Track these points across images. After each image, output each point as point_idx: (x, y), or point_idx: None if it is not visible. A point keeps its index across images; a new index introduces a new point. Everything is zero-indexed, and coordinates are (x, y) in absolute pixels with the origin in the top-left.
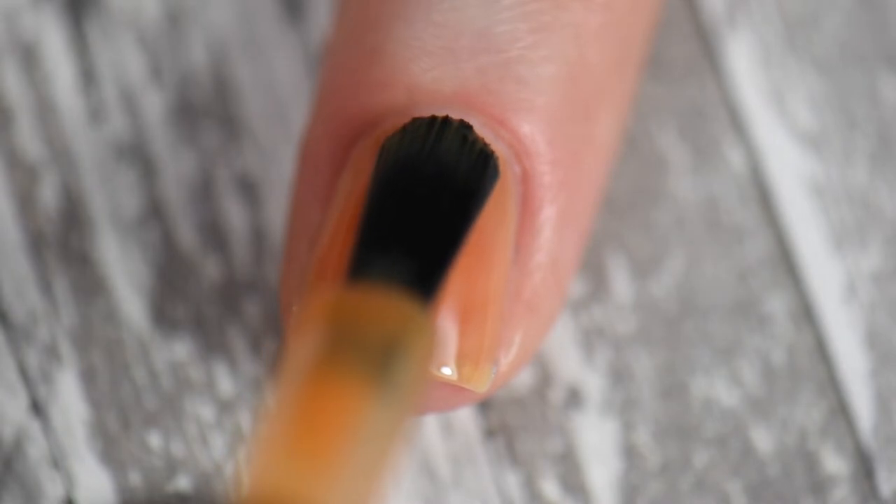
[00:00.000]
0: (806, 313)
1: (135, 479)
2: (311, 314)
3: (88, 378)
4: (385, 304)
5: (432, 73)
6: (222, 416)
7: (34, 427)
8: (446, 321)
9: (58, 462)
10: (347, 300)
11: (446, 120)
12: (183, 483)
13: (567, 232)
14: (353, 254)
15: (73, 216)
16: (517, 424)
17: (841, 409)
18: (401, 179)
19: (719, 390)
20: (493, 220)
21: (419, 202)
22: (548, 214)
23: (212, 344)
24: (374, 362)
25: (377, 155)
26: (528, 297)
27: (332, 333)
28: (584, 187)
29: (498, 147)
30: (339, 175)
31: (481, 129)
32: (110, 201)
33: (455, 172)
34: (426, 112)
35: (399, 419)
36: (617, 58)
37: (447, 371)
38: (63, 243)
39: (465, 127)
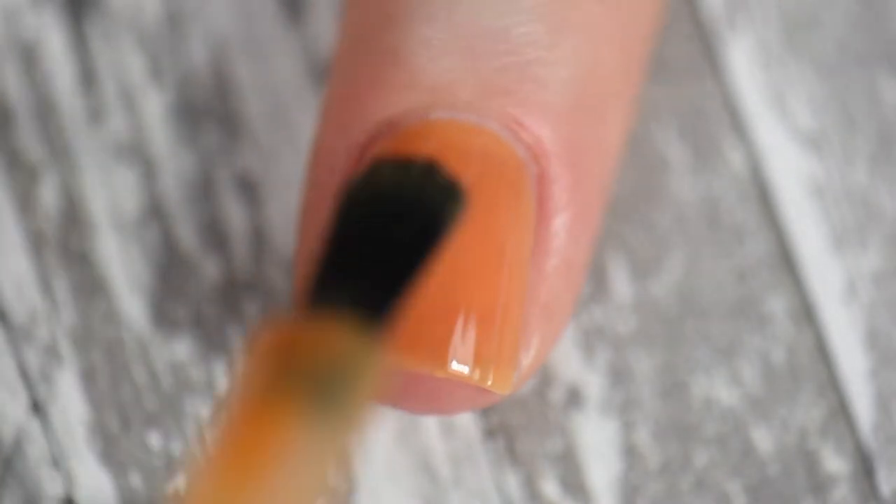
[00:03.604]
0: (806, 313)
1: (135, 479)
2: (257, 344)
3: (88, 378)
4: (328, 331)
5: (452, 74)
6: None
7: (34, 427)
8: (467, 324)
9: (58, 462)
10: (292, 329)
11: (410, 161)
12: (183, 483)
13: (580, 234)
14: (307, 286)
15: (73, 216)
16: (517, 424)
17: (841, 409)
18: (358, 210)
19: (719, 390)
20: (511, 223)
21: (373, 229)
22: (563, 217)
23: (212, 344)
24: (312, 387)
25: (340, 196)
26: (545, 300)
27: (273, 360)
28: (596, 189)
29: (517, 149)
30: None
31: (501, 132)
32: (110, 201)
33: (416, 198)
34: (444, 113)
35: (338, 443)
36: (627, 59)
37: (465, 370)
38: (63, 243)
39: (431, 165)
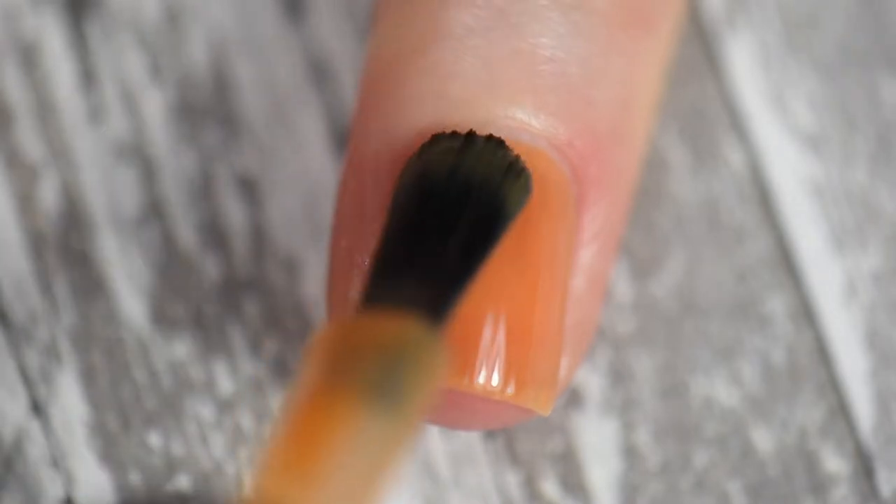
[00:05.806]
0: (806, 313)
1: (135, 478)
2: (320, 340)
3: (88, 378)
4: (387, 325)
5: (510, 90)
6: (222, 416)
7: (34, 427)
8: (496, 340)
9: (58, 462)
10: (352, 324)
11: (471, 135)
12: (183, 483)
13: (607, 254)
14: (365, 281)
15: (73, 216)
16: (517, 424)
17: (841, 409)
18: (417, 200)
19: (719, 390)
20: (554, 244)
21: (434, 222)
22: (596, 239)
23: (212, 344)
24: (370, 378)
25: (399, 176)
26: (574, 319)
27: (334, 354)
28: (624, 209)
29: (564, 169)
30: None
31: (551, 151)
32: (110, 201)
33: (479, 190)
34: (500, 130)
35: (399, 432)
36: (656, 89)
37: (498, 388)
38: (63, 243)
39: (494, 142)
